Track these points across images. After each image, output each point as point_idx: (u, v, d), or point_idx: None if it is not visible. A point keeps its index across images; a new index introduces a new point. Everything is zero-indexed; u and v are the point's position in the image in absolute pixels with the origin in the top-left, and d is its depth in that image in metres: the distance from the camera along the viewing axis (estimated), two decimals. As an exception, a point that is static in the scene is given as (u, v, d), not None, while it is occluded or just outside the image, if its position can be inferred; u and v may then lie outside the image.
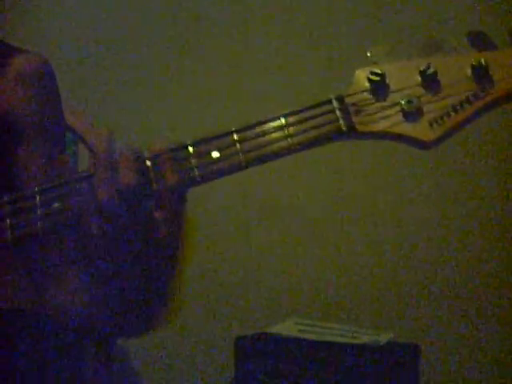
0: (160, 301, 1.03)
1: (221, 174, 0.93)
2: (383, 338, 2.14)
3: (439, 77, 0.87)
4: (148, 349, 2.46)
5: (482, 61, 0.85)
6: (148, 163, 0.92)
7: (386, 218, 2.41)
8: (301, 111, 0.91)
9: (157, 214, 0.93)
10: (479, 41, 0.85)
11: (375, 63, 0.88)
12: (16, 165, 1.15)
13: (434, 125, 0.87)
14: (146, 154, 0.93)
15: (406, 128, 0.87)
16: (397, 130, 0.88)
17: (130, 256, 0.94)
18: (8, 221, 0.96)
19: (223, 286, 2.45)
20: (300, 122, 0.90)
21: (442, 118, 0.87)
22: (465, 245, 2.37)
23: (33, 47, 1.25)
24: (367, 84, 0.88)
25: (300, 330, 2.19)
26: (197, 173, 0.92)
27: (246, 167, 0.92)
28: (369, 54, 0.88)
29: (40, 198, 0.96)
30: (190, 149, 0.93)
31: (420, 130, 0.87)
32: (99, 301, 1.04)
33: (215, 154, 0.92)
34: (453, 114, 0.86)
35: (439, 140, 0.87)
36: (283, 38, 2.47)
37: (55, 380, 1.19)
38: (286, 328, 2.21)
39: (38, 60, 1.21)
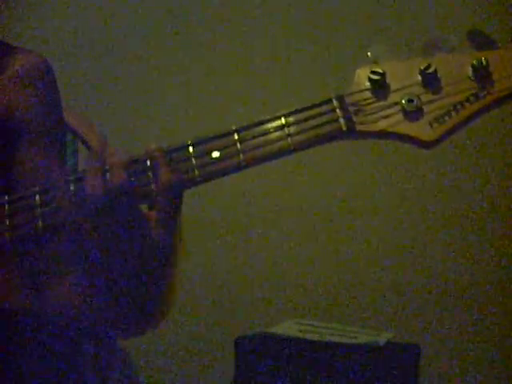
0: (156, 300, 1.02)
1: (221, 173, 0.93)
2: (383, 337, 2.14)
3: (440, 76, 0.87)
4: (148, 349, 2.45)
5: (483, 60, 0.85)
6: (147, 163, 0.92)
7: (387, 218, 2.41)
8: (301, 111, 0.91)
9: (151, 214, 0.93)
10: (479, 40, 0.85)
11: (376, 62, 0.88)
12: (16, 165, 1.15)
13: (435, 124, 0.87)
14: (144, 155, 0.93)
15: (407, 127, 0.87)
16: (397, 129, 0.88)
17: (124, 255, 0.94)
18: (7, 221, 0.96)
19: (223, 286, 2.45)
20: (300, 121, 0.90)
21: (442, 117, 0.86)
22: (466, 244, 2.37)
23: (33, 47, 1.25)
24: (368, 83, 0.88)
25: (300, 330, 2.19)
26: (197, 173, 0.92)
27: (247, 167, 0.92)
28: (369, 53, 0.88)
29: (40, 198, 0.96)
30: (190, 149, 0.93)
31: (420, 129, 0.87)
32: (96, 301, 1.04)
33: (215, 154, 0.92)
34: (454, 113, 0.86)
35: (440, 140, 0.87)
36: (283, 37, 2.46)
37: (54, 380, 1.19)
38: (286, 328, 2.20)
39: (38, 59, 1.21)
